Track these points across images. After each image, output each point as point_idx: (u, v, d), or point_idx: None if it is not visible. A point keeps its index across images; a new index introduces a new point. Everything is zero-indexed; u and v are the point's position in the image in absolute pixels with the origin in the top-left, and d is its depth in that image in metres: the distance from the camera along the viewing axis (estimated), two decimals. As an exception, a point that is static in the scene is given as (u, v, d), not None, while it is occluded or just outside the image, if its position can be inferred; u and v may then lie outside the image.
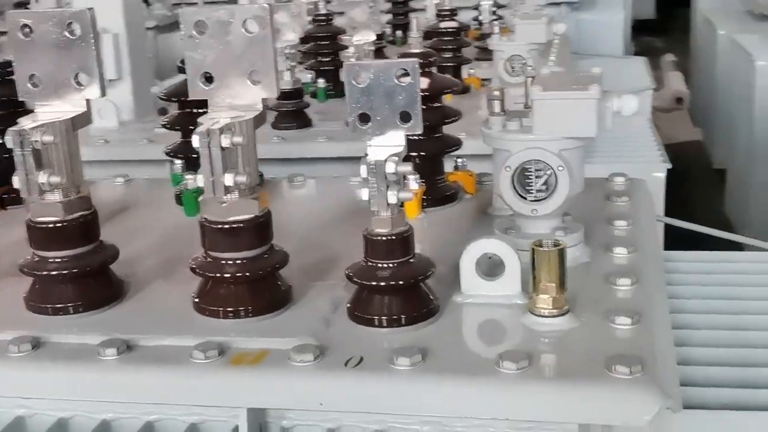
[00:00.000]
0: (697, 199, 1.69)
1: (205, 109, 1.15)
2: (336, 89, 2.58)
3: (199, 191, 1.41)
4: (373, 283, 1.07)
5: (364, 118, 1.06)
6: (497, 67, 2.27)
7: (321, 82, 2.55)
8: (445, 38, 2.69)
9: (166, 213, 1.54)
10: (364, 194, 1.05)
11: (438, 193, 1.48)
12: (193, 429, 1.07)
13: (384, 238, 1.06)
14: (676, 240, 1.82)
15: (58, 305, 1.14)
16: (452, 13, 2.82)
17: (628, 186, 1.53)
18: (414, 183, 1.05)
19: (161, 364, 1.03)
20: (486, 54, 3.04)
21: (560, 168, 1.17)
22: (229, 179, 1.06)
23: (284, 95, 2.26)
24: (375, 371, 0.99)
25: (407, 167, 1.04)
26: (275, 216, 1.13)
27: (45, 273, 1.14)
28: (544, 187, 1.19)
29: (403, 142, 1.06)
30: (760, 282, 1.43)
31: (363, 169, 1.04)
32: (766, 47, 3.54)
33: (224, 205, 1.09)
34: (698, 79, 5.36)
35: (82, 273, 1.15)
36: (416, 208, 1.44)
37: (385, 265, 1.07)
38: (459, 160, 1.54)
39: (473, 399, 0.95)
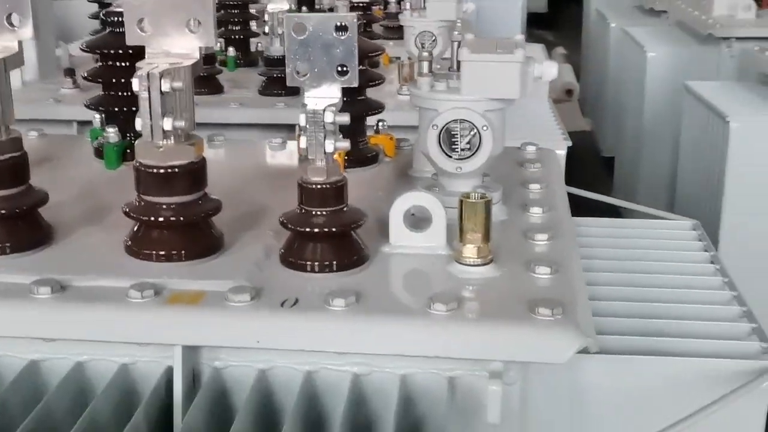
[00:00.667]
0: (588, 185, 1.79)
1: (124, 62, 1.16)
2: (245, 59, 2.58)
3: (122, 145, 1.42)
4: (307, 230, 1.11)
5: (302, 70, 1.09)
6: (408, 42, 2.33)
7: (231, 51, 2.55)
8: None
9: (85, 166, 1.54)
10: (303, 142, 1.08)
11: (360, 155, 1.52)
12: (124, 369, 1.09)
13: (319, 187, 1.10)
14: (574, 212, 1.91)
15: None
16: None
17: (539, 154, 1.60)
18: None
19: (97, 302, 1.04)
20: (391, 33, 3.10)
21: (485, 128, 1.23)
22: (167, 123, 1.08)
23: (272, 61, 2.24)
24: (311, 311, 1.02)
25: (345, 117, 1.07)
26: (201, 170, 1.15)
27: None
28: (468, 146, 1.25)
29: (339, 94, 1.10)
30: (656, 246, 1.53)
31: (302, 118, 1.07)
32: (656, 39, 3.72)
33: (161, 150, 1.11)
34: (588, 72, 5.55)
35: (10, 214, 1.15)
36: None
37: (319, 213, 1.10)
38: (380, 123, 1.59)
39: (406, 337, 1.00)
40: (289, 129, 1.96)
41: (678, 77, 3.35)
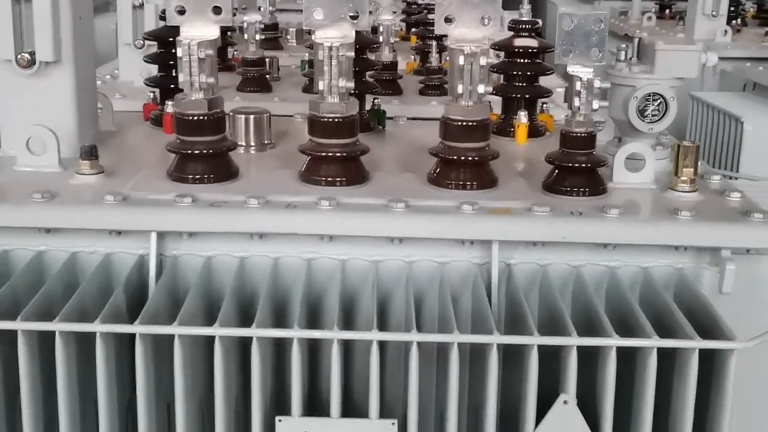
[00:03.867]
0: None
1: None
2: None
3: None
4: (574, 165, 1.54)
5: (565, 52, 1.53)
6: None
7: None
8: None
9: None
10: (577, 102, 1.51)
11: (535, 128, 1.96)
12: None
13: (576, 134, 1.54)
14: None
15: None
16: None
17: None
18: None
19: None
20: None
21: (671, 98, 1.69)
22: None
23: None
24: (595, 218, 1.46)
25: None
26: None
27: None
28: (657, 112, 1.70)
29: (592, 69, 1.54)
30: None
31: (578, 84, 1.51)
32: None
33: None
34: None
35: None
36: (525, 136, 1.91)
37: (580, 153, 1.54)
38: (544, 105, 2.03)
39: (669, 232, 1.44)
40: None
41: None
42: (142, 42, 2.74)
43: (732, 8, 4.53)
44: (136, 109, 2.13)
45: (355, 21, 1.52)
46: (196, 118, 1.54)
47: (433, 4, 3.08)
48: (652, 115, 1.71)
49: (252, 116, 1.81)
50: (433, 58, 2.61)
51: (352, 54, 1.50)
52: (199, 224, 1.47)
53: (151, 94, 2.07)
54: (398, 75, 2.53)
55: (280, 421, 1.32)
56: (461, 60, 1.50)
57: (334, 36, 1.51)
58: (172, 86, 1.97)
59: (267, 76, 2.54)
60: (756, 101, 3.43)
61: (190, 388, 1.35)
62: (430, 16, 3.00)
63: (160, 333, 1.33)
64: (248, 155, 1.79)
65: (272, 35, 3.25)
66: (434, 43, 2.69)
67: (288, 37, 3.49)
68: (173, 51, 1.94)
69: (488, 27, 1.54)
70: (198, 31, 1.53)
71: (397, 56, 2.50)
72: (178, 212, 1.46)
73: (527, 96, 1.95)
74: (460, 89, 1.51)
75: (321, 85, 1.51)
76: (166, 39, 1.97)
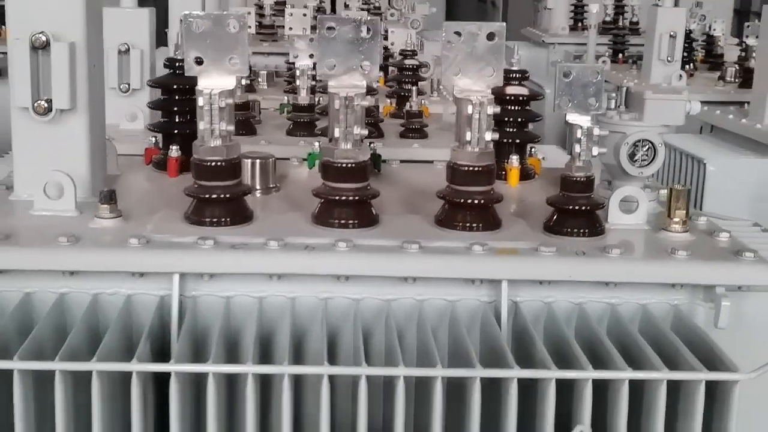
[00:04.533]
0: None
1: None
2: None
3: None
4: (574, 208, 1.63)
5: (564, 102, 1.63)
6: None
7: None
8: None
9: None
10: (577, 148, 1.61)
11: (525, 171, 2.05)
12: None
13: (577, 179, 1.63)
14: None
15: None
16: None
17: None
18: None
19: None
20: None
21: (660, 144, 1.79)
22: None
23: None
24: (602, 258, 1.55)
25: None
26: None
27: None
28: (646, 157, 1.80)
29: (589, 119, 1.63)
30: None
31: (579, 132, 1.60)
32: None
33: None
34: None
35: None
36: (517, 179, 2.00)
37: (580, 197, 1.63)
38: (532, 149, 2.13)
39: (664, 271, 1.53)
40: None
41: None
42: (127, 86, 2.80)
43: (685, 54, 4.72)
44: (128, 152, 2.18)
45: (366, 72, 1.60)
46: (215, 164, 1.60)
47: (409, 51, 3.19)
48: (642, 160, 1.81)
49: (258, 161, 1.87)
50: (414, 102, 2.71)
51: (366, 103, 1.58)
52: (222, 266, 1.52)
53: (153, 139, 2.12)
54: (380, 119, 2.62)
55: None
56: (470, 109, 1.58)
57: (347, 85, 1.59)
58: (175, 131, 2.03)
59: (251, 119, 2.62)
60: (715, 143, 3.58)
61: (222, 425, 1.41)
62: (406, 62, 3.11)
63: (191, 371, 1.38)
64: (254, 199, 1.85)
65: (248, 79, 3.34)
66: (414, 88, 2.79)
67: (260, 80, 3.57)
68: (176, 98, 2.03)
69: (493, 78, 1.63)
70: (215, 81, 1.59)
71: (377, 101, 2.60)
72: (200, 254, 1.52)
73: (518, 141, 2.04)
74: (468, 136, 1.59)
75: (336, 132, 1.58)
76: (170, 86, 2.03)
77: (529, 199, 1.90)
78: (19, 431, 1.35)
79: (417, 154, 2.43)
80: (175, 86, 2.02)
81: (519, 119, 2.05)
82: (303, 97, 2.71)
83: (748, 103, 3.70)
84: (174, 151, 1.98)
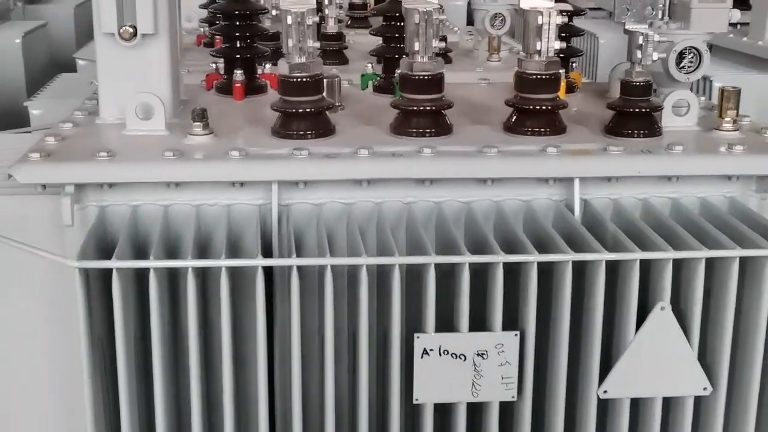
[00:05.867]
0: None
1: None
2: None
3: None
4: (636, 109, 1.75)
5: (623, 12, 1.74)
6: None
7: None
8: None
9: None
10: (639, 54, 1.72)
11: (569, 84, 2.17)
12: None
13: (639, 83, 1.75)
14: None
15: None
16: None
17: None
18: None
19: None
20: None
21: (705, 51, 1.91)
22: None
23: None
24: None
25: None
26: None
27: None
28: (691, 63, 1.92)
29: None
30: None
31: (640, 39, 1.72)
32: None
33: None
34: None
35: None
36: (564, 91, 2.12)
37: (640, 100, 1.75)
38: (573, 63, 2.24)
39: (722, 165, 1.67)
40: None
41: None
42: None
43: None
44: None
45: (436, -14, 1.71)
46: (302, 79, 1.70)
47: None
48: (688, 67, 1.93)
49: (325, 80, 1.97)
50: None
51: (444, 17, 1.68)
52: (319, 174, 1.63)
53: (214, 65, 2.21)
54: (344, 45, 2.74)
55: (418, 338, 1.50)
56: (539, 19, 1.69)
57: (422, 3, 1.70)
58: (237, 56, 2.12)
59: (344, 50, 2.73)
60: (718, 62, 3.71)
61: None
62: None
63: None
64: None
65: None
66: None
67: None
68: (237, 24, 2.11)
69: (556, -9, 1.74)
70: (294, 1, 1.68)
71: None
72: (298, 163, 1.63)
73: (562, 55, 2.15)
74: (537, 46, 1.71)
75: (416, 46, 1.68)
76: (231, 12, 2.11)
77: (580, 109, 2.02)
78: (155, 324, 1.48)
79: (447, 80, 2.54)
80: (236, 12, 2.10)
81: (563, 34, 2.15)
82: (332, 27, 2.80)
83: (747, 23, 3.82)
84: (239, 75, 2.07)
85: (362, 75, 2.20)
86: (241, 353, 1.60)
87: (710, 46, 4.10)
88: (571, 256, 1.50)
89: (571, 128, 1.82)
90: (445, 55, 2.70)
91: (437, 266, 1.51)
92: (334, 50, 2.71)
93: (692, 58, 1.92)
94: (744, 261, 1.55)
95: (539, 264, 1.51)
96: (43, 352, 1.69)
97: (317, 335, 1.59)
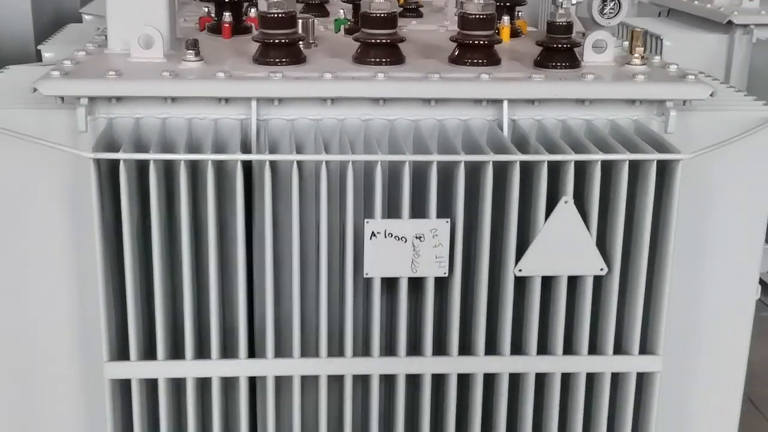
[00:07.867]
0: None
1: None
2: None
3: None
4: (558, 45, 2.09)
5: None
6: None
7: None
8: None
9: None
10: (560, -2, 2.06)
11: (514, 30, 2.50)
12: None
13: (561, 23, 2.09)
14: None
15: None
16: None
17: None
18: None
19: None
20: None
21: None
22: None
23: None
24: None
25: None
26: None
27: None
28: (612, 10, 2.26)
29: None
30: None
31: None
32: None
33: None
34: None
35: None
36: (508, 36, 2.46)
37: (562, 37, 2.09)
38: (519, 12, 2.58)
39: (627, 89, 2.01)
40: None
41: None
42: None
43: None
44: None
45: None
46: (278, 15, 2.03)
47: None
48: (609, 13, 2.28)
49: (300, 20, 2.30)
50: (412, -15, 3.14)
51: (397, -36, 2.02)
52: (289, 91, 1.97)
53: (206, 9, 2.53)
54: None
55: (368, 222, 1.85)
56: (477, -33, 2.03)
57: (380, -49, 2.03)
58: (225, 0, 2.45)
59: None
60: (670, 23, 4.06)
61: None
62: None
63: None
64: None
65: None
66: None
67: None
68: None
69: (493, -56, 2.07)
70: (272, -53, 2.02)
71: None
72: (273, 83, 1.97)
73: (508, 4, 2.49)
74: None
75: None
76: (219, -39, 2.44)
77: (519, 50, 2.35)
78: (154, 209, 1.82)
79: (415, 29, 2.88)
80: (222, -39, 2.43)
81: (509, -15, 2.50)
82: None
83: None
84: (227, 17, 2.40)
85: (335, 20, 2.53)
86: (225, 243, 1.95)
87: (668, 10, 4.47)
88: (491, 157, 1.85)
89: (507, 63, 2.16)
90: (416, 10, 3.06)
91: (384, 164, 1.86)
92: (316, 3, 3.03)
93: (613, 6, 2.27)
94: (635, 165, 1.90)
95: (469, 165, 1.86)
96: (61, 240, 2.04)
97: (288, 224, 1.94)
